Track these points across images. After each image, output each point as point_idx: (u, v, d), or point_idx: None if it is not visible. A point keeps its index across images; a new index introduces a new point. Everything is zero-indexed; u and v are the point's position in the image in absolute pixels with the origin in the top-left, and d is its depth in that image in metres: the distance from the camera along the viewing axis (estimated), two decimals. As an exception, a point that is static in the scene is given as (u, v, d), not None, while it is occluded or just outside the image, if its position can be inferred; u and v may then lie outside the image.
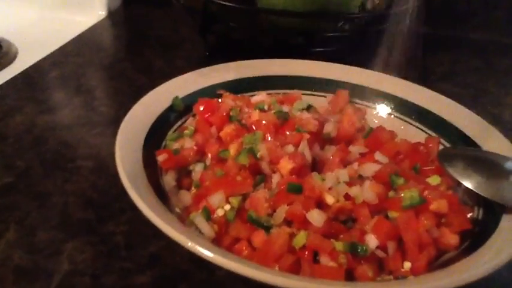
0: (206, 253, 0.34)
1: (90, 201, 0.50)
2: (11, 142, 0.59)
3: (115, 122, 0.63)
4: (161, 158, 0.47)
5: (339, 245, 0.38)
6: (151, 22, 0.99)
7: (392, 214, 0.41)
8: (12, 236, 0.46)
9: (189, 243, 0.34)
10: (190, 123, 0.53)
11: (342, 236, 0.40)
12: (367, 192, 0.41)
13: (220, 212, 0.41)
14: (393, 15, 0.71)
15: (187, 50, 0.84)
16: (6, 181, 0.52)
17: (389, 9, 0.73)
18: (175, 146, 0.49)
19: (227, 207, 0.41)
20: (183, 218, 0.42)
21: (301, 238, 0.39)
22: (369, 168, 0.44)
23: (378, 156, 0.46)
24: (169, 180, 0.46)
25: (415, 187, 0.42)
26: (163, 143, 0.50)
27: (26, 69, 0.77)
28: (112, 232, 0.47)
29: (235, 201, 0.41)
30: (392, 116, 0.56)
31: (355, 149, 0.48)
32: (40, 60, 0.80)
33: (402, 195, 0.41)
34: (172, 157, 0.47)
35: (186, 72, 0.58)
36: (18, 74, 0.75)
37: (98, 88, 0.73)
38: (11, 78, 0.74)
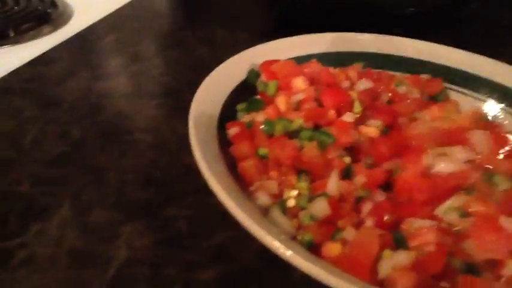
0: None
1: (149, 180, 0.45)
2: (66, 109, 0.55)
3: (175, 94, 0.58)
4: (232, 131, 0.41)
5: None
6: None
7: None
8: (67, 213, 0.41)
9: (285, 252, 0.28)
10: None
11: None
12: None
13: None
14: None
15: (251, 22, 0.78)
16: (62, 150, 0.48)
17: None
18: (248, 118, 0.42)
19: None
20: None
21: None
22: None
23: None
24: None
25: None
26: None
27: (81, 32, 0.72)
28: (174, 216, 0.42)
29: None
30: None
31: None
32: (96, 23, 0.75)
33: None
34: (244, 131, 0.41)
35: (249, 44, 0.51)
36: (73, 36, 0.71)
37: (156, 56, 0.68)
38: (66, 40, 0.69)
